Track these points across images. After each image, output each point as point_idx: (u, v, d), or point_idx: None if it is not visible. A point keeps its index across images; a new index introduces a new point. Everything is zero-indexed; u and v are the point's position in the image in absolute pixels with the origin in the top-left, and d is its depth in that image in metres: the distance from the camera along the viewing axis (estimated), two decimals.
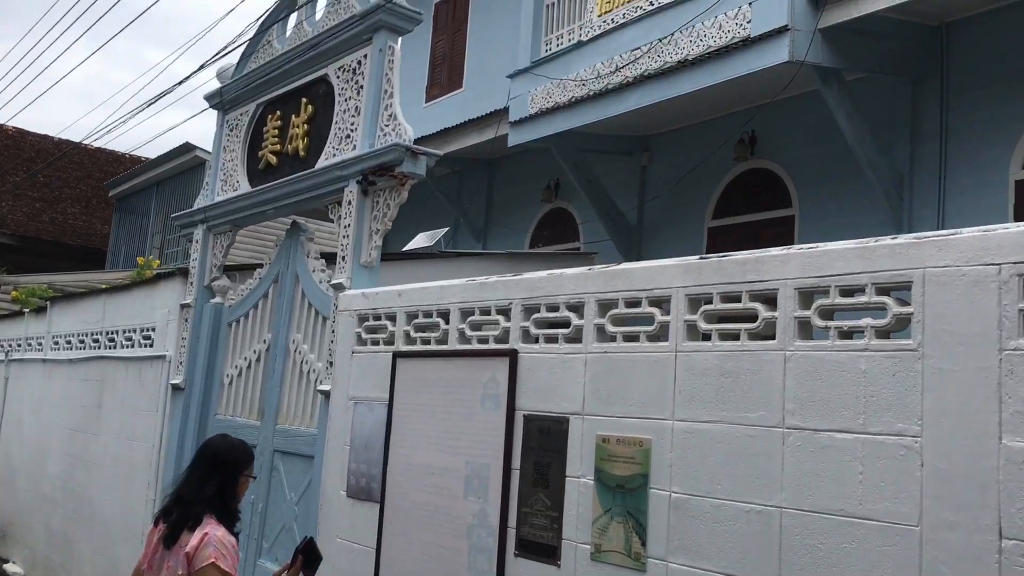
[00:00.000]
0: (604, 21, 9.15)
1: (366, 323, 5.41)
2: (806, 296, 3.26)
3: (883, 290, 3.01)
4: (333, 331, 5.73)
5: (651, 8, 8.60)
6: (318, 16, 6.85)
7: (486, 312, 4.59)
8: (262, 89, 7.31)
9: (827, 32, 7.43)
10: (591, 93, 9.12)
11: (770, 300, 3.36)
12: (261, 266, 7.14)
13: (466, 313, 4.73)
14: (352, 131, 6.10)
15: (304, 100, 6.75)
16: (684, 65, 8.12)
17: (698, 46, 8.03)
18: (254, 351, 6.87)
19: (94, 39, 32.72)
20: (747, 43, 7.59)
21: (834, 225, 8.50)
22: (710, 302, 3.55)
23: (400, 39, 6.06)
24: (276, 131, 7.03)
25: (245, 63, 7.64)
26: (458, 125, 11.85)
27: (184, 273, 7.75)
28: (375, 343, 5.33)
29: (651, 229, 10.55)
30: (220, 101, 7.81)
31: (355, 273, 5.76)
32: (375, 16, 5.97)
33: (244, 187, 7.28)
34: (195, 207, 7.80)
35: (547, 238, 11.99)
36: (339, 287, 5.78)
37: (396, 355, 5.09)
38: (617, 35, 8.95)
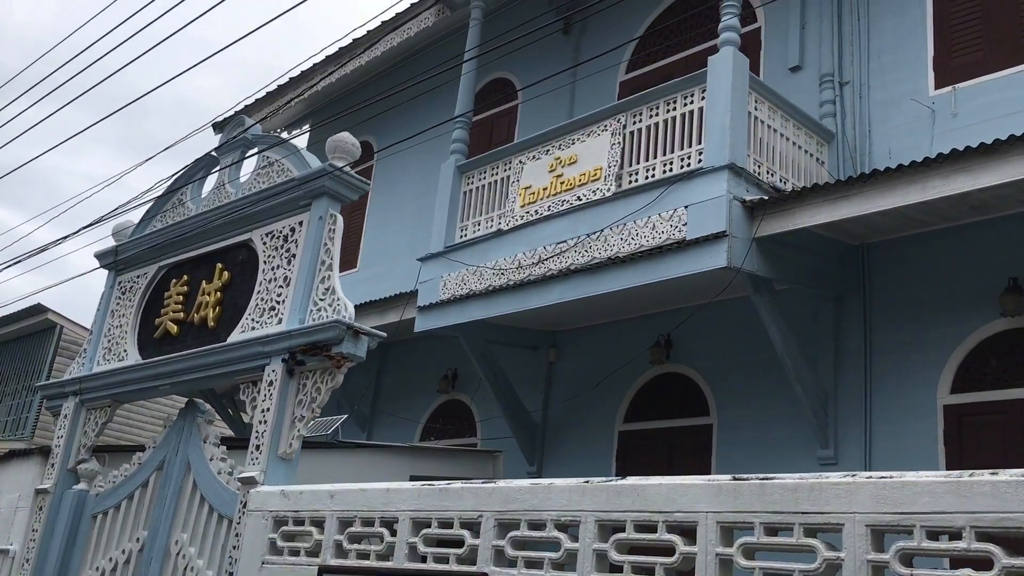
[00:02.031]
0: (527, 212, 8.93)
1: (284, 528, 4.58)
2: (879, 535, 2.76)
3: (986, 536, 2.54)
4: (237, 535, 4.85)
5: (578, 204, 8.44)
6: (244, 177, 6.30)
7: (447, 525, 3.89)
8: (167, 251, 6.60)
9: (760, 242, 7.37)
10: (511, 283, 8.75)
11: (829, 534, 2.84)
12: (143, 448, 6.20)
13: (420, 524, 4.00)
14: (278, 303, 5.45)
15: (219, 266, 6.08)
16: (614, 262, 7.89)
17: (629, 245, 7.83)
18: (123, 551, 5.82)
19: None
20: (682, 245, 7.44)
21: (756, 438, 8.22)
22: (751, 532, 3.00)
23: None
24: (181, 297, 6.29)
25: (148, 222, 6.94)
26: (358, 306, 11.25)
27: (44, 453, 6.66)
28: (294, 553, 4.48)
29: (557, 429, 10.03)
30: (113, 261, 7.02)
31: (271, 466, 4.95)
32: (318, 182, 5.47)
33: (133, 357, 6.41)
34: (68, 376, 6.82)
35: (441, 431, 11.28)
36: (249, 481, 4.95)
37: (323, 570, 4.26)
38: (541, 226, 8.71)
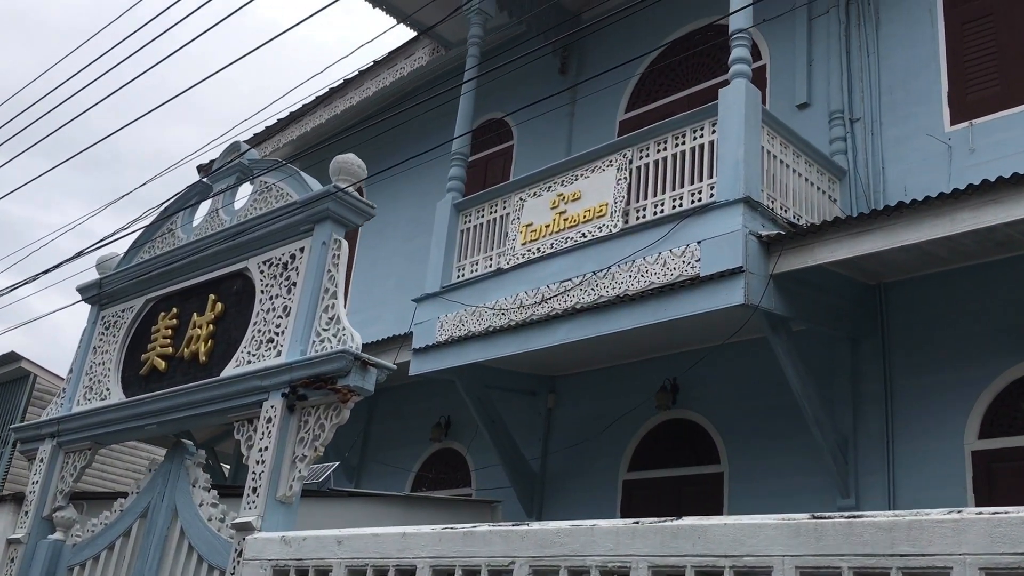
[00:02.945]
0: (529, 250, 8.60)
1: None
2: None
3: None
4: None
5: (583, 241, 8.13)
6: (239, 204, 5.94)
7: (473, 574, 3.47)
8: (156, 282, 6.20)
9: (776, 279, 7.06)
10: (512, 323, 8.39)
11: None
12: (124, 495, 5.73)
13: (442, 573, 3.58)
14: (277, 334, 5.05)
15: (212, 296, 5.68)
16: (623, 300, 7.55)
17: (639, 282, 7.51)
18: None
19: None
20: (696, 282, 7.12)
21: (770, 487, 7.84)
22: None
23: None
24: (169, 331, 5.87)
25: (135, 253, 6.54)
26: None
27: (17, 500, 6.17)
28: None
29: (557, 478, 9.59)
30: (97, 294, 6.60)
31: (269, 510, 4.52)
32: (321, 205, 5.11)
33: (117, 396, 5.97)
34: (44, 418, 6.36)
35: (433, 480, 10.80)
36: (245, 527, 4.50)
37: None
38: (544, 264, 8.38)
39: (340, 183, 5.09)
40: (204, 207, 6.28)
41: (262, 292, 5.32)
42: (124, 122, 18.84)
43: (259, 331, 5.18)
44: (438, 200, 9.88)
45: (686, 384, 8.75)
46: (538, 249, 8.56)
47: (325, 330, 4.81)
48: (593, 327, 7.81)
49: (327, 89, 13.18)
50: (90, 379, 6.26)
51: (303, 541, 4.12)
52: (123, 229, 7.33)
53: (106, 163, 57.05)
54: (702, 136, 7.76)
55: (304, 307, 4.95)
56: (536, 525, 3.37)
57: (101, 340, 6.39)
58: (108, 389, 6.04)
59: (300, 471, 4.57)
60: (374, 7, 11.19)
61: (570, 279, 8.09)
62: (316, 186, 5.35)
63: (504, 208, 9.25)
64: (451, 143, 9.97)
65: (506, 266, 8.77)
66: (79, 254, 8.55)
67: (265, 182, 5.72)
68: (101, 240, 8.10)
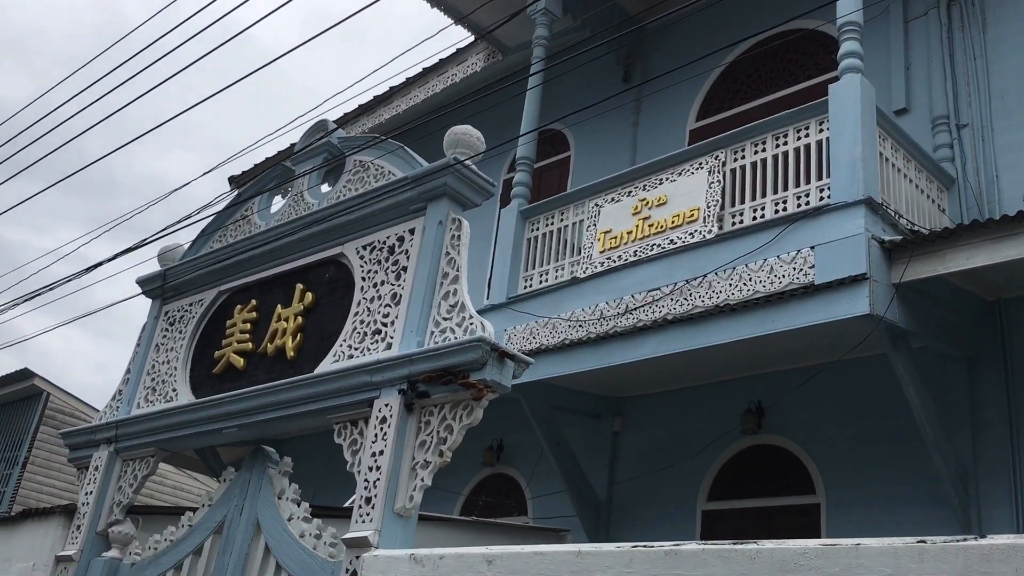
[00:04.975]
0: (608, 258, 7.99)
1: None
2: None
3: None
4: None
5: (672, 247, 7.52)
6: (309, 193, 5.33)
7: None
8: (229, 273, 5.57)
9: (899, 288, 6.44)
10: (591, 336, 7.75)
11: None
12: (192, 509, 5.06)
13: None
14: (385, 325, 4.41)
15: (300, 286, 5.04)
16: (723, 311, 6.92)
17: (741, 291, 6.89)
18: None
19: None
20: (810, 291, 6.50)
21: (877, 520, 7.14)
22: None
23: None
24: (248, 325, 5.23)
25: (203, 242, 5.92)
26: None
27: (68, 513, 5.49)
28: None
29: (626, 507, 8.89)
30: (160, 287, 5.96)
31: (387, 524, 3.86)
32: (437, 179, 4.50)
33: (185, 397, 5.31)
34: (100, 421, 5.71)
35: (485, 506, 10.09)
36: (360, 543, 3.84)
37: None
38: (627, 273, 7.76)
39: (459, 155, 4.48)
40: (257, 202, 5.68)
41: (363, 279, 4.69)
42: (118, 146, 18.32)
43: (361, 322, 4.55)
44: (489, 208, 9.28)
45: (773, 408, 8.09)
46: (619, 257, 7.95)
47: (446, 319, 4.18)
48: (687, 340, 7.18)
49: (372, 97, 12.65)
50: (152, 379, 5.60)
51: (440, 560, 3.46)
52: (139, 245, 6.77)
53: (100, 187, 56.58)
54: (807, 136, 7.18)
55: (419, 294, 4.32)
56: (769, 544, 2.72)
57: (165, 337, 5.74)
58: (175, 390, 5.39)
59: (422, 480, 3.92)
60: (432, 6, 10.65)
61: (658, 288, 7.47)
62: (423, 163, 4.75)
63: (577, 215, 8.65)
64: (501, 149, 9.41)
65: (582, 275, 8.16)
66: (68, 278, 8.04)
67: (360, 160, 5.12)
68: (101, 261, 7.55)
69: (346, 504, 8.74)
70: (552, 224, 8.87)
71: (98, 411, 17.58)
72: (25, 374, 16.33)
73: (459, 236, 4.39)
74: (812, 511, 7.64)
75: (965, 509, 6.72)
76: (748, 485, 8.14)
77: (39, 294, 8.91)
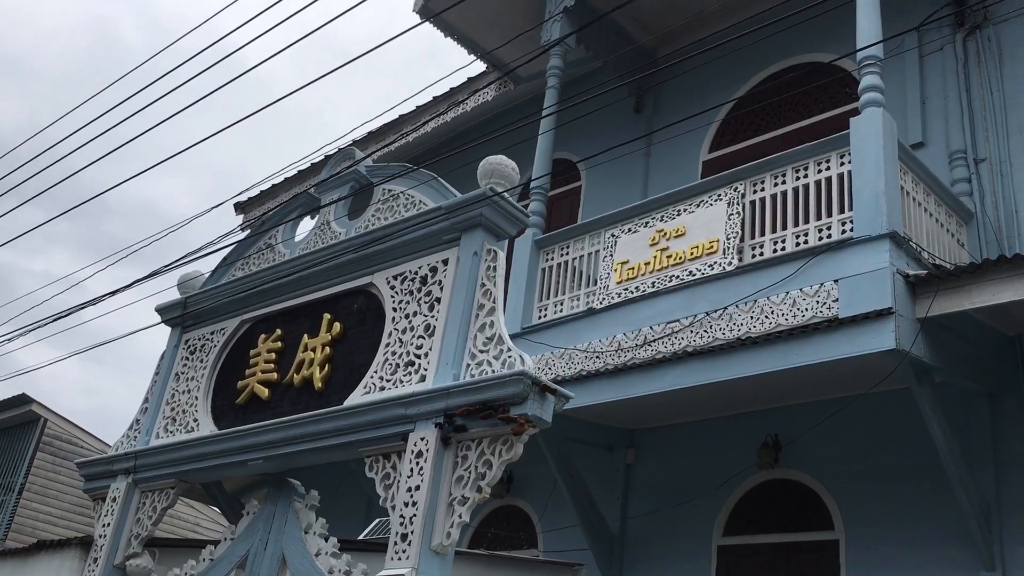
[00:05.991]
0: (625, 289, 7.94)
1: None
2: None
3: None
4: None
5: (691, 279, 7.48)
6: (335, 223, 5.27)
7: None
8: (253, 301, 5.51)
9: (924, 323, 6.40)
10: (609, 367, 7.68)
11: None
12: (215, 543, 4.97)
13: None
14: (418, 357, 4.35)
15: (328, 316, 4.98)
16: (744, 343, 6.87)
17: (763, 324, 6.84)
18: None
19: None
20: (833, 324, 6.45)
21: (897, 558, 7.07)
22: None
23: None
24: (273, 355, 5.16)
25: (225, 270, 5.87)
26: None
27: (84, 545, 5.39)
28: None
29: (639, 541, 8.78)
30: (180, 316, 5.89)
31: (423, 562, 3.77)
32: (473, 210, 4.45)
33: (207, 427, 5.23)
34: (116, 451, 5.62)
35: (495, 539, 9.97)
36: None
37: None
38: (645, 304, 7.71)
39: (494, 186, 4.44)
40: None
41: (394, 310, 4.63)
42: (113, 171, 18.31)
43: (393, 353, 4.48)
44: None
45: (790, 442, 8.02)
46: (637, 288, 7.90)
47: (483, 351, 4.12)
48: (707, 372, 7.11)
49: (380, 125, 12.65)
50: (172, 408, 5.52)
51: None
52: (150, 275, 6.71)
53: (89, 209, 56.37)
54: (828, 168, 7.17)
55: (454, 325, 4.26)
56: None
57: (185, 366, 5.67)
58: (196, 420, 5.31)
59: (460, 516, 3.84)
60: (445, 36, 10.67)
61: (677, 320, 7.42)
62: (456, 193, 4.71)
63: (593, 245, 8.61)
64: (524, 179, 9.38)
65: (599, 306, 8.11)
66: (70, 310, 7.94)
67: (390, 190, 5.07)
68: (116, 290, 7.43)
69: (361, 536, 8.64)
70: (567, 254, 8.83)
71: (94, 437, 17.28)
72: (23, 399, 16.15)
73: (494, 267, 4.34)
74: (831, 547, 7.55)
75: (988, 546, 6.64)
76: (765, 520, 8.05)
77: (42, 324, 8.79)
